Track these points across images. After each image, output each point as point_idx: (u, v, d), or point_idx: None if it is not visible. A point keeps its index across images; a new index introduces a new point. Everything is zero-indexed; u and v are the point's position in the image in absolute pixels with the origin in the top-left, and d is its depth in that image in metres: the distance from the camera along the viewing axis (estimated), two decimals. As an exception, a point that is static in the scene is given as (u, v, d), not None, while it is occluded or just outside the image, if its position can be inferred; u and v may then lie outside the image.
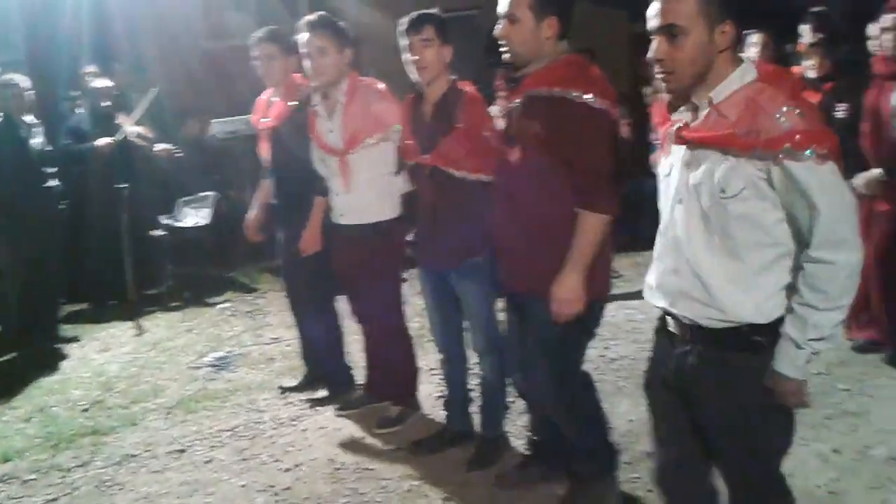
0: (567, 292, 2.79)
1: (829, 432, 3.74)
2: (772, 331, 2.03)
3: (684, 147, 2.07)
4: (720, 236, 2.02)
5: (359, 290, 4.03)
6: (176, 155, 7.21)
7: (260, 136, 4.38)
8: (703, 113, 2.03)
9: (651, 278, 2.26)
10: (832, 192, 1.91)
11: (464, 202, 3.34)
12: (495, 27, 2.86)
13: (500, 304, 3.49)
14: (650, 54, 2.06)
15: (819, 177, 1.88)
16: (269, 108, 4.28)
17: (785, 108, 1.89)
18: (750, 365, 2.06)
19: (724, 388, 2.11)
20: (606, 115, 2.76)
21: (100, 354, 5.65)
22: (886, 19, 4.29)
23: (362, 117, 3.77)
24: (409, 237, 3.83)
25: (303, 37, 3.76)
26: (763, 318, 2.02)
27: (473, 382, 3.83)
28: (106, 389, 4.93)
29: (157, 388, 4.92)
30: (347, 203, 3.87)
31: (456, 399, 3.83)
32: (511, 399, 3.78)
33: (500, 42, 2.87)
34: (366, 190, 3.81)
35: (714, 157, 1.98)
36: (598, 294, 2.95)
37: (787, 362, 2.00)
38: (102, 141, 6.46)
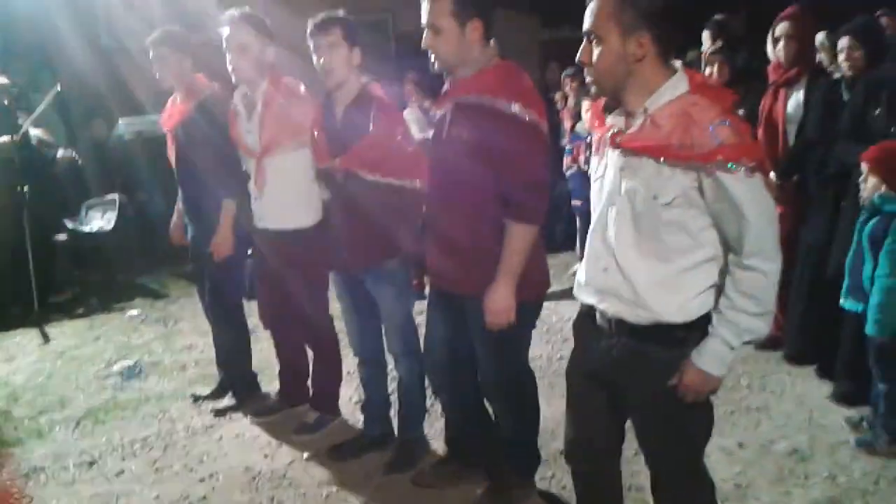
0: (499, 303, 2.82)
1: (733, 427, 3.88)
2: (692, 327, 2.12)
3: (618, 152, 2.13)
4: (650, 240, 2.09)
5: (277, 295, 3.98)
6: (77, 162, 7.03)
7: (168, 138, 4.29)
8: (638, 122, 2.08)
9: (581, 275, 2.33)
10: (760, 204, 2.00)
11: (376, 206, 3.32)
12: (416, 35, 2.85)
13: (416, 306, 3.52)
14: (578, 56, 2.13)
15: (748, 188, 1.97)
16: (172, 109, 4.20)
17: (717, 122, 1.96)
18: (671, 358, 2.14)
19: (647, 379, 2.19)
20: (534, 126, 2.75)
21: (4, 364, 5.44)
22: (779, 28, 4.47)
23: (280, 121, 3.69)
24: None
25: (224, 31, 3.66)
26: (685, 318, 2.11)
27: (391, 385, 3.84)
28: (11, 400, 4.76)
29: (64, 398, 4.77)
30: (262, 207, 3.82)
31: (374, 402, 3.82)
32: (429, 401, 3.79)
33: (427, 52, 2.84)
34: (282, 194, 3.75)
35: (648, 166, 2.05)
36: (535, 294, 3.00)
37: (717, 361, 2.10)
38: (2, 138, 6.23)
